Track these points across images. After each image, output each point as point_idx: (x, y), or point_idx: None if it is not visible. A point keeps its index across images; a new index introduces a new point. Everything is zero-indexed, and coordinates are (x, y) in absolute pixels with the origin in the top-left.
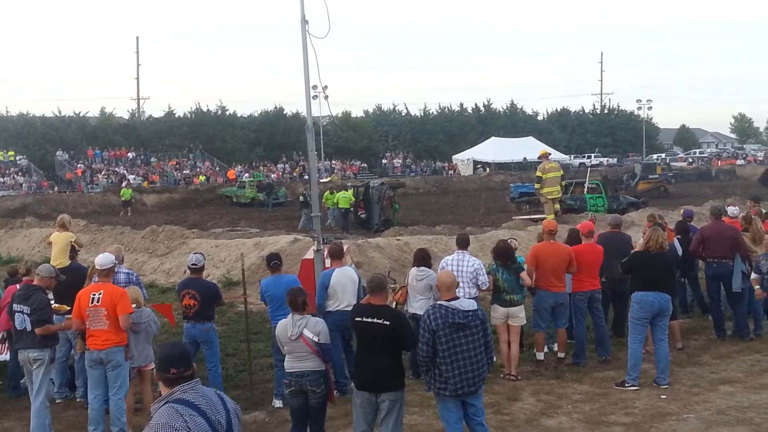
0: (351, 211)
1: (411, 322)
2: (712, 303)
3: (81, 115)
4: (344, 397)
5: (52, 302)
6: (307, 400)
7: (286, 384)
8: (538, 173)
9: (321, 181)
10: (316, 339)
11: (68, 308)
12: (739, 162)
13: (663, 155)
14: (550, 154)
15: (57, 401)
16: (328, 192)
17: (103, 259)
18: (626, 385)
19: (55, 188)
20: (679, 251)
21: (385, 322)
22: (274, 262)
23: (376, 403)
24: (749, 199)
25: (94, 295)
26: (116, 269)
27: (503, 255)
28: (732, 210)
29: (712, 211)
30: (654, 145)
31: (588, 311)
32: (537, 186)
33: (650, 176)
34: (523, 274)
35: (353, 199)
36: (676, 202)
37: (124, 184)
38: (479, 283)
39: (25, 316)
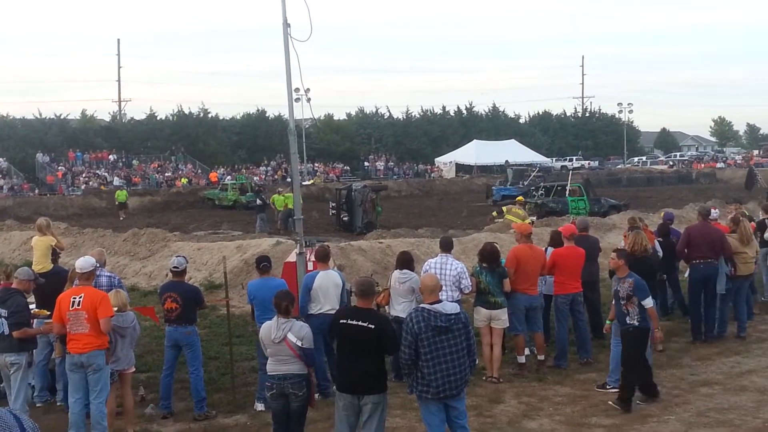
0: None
1: (393, 325)
2: (694, 306)
3: (62, 117)
4: (326, 400)
5: (33, 306)
6: (288, 403)
7: (268, 386)
8: (504, 209)
9: (303, 183)
10: (299, 343)
11: (48, 312)
12: (719, 165)
13: (644, 158)
14: (523, 201)
15: (37, 405)
16: (276, 194)
17: (83, 263)
18: (607, 387)
19: (36, 191)
20: (660, 254)
21: (370, 326)
22: (263, 264)
23: (358, 405)
24: (733, 201)
25: (75, 298)
26: (98, 272)
27: (489, 257)
28: (713, 213)
29: (701, 211)
30: (635, 148)
31: (569, 314)
32: (495, 214)
33: (521, 182)
34: (506, 281)
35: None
36: (658, 205)
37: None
38: (462, 286)
39: (3, 319)
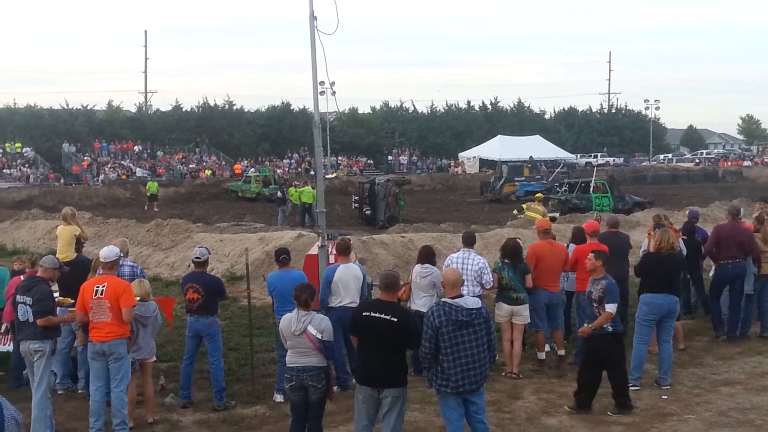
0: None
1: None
2: (713, 302)
3: (88, 107)
4: (345, 393)
5: (57, 295)
6: (307, 395)
7: (287, 378)
8: (524, 206)
9: (326, 176)
10: (319, 336)
11: (72, 301)
12: (746, 163)
13: (669, 155)
14: (542, 198)
15: (59, 392)
16: (292, 188)
17: (107, 252)
18: (628, 384)
19: (61, 180)
20: (684, 252)
21: (393, 319)
22: (282, 256)
23: (378, 399)
24: (759, 200)
25: (98, 287)
26: (121, 262)
27: (512, 253)
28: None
29: (730, 210)
30: (661, 146)
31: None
32: (515, 212)
33: (516, 178)
34: (528, 277)
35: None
36: (683, 203)
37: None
38: (483, 281)
39: (28, 307)
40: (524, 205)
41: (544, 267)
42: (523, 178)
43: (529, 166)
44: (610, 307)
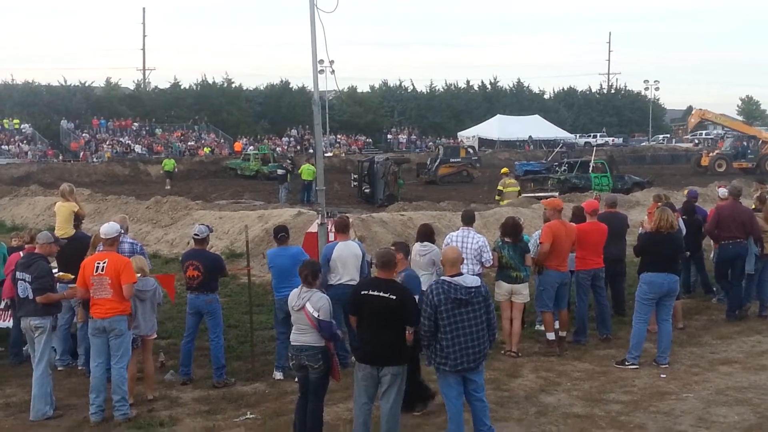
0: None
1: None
2: (729, 285)
3: (86, 84)
4: (344, 370)
5: (56, 271)
6: (308, 374)
7: (289, 356)
8: (500, 187)
9: (325, 155)
10: (315, 314)
11: (72, 276)
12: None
13: (669, 135)
14: (510, 172)
15: (59, 369)
16: (305, 164)
17: (108, 229)
18: (626, 363)
19: (60, 157)
20: (684, 232)
21: (392, 297)
22: (281, 234)
23: (377, 376)
24: (755, 180)
25: (99, 263)
26: (121, 239)
27: (512, 231)
28: (722, 191)
29: (731, 191)
30: (660, 126)
31: (591, 289)
32: (498, 197)
33: (452, 160)
34: (528, 256)
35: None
36: (682, 183)
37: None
38: (483, 260)
39: (27, 284)
40: (500, 186)
41: (557, 247)
42: (459, 160)
43: (466, 146)
44: None
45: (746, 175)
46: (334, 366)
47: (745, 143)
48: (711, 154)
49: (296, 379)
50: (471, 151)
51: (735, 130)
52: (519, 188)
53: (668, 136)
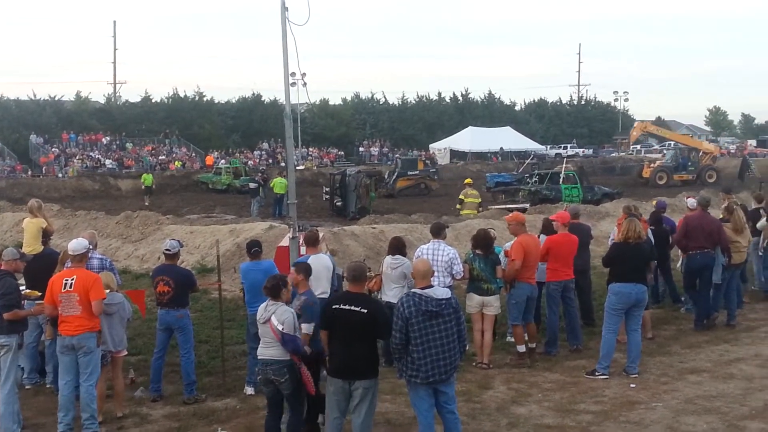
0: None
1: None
2: (697, 295)
3: (56, 98)
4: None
5: (23, 288)
6: (278, 389)
7: (257, 371)
8: (461, 197)
9: (297, 168)
10: (280, 327)
11: (39, 294)
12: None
13: (638, 146)
14: (472, 182)
15: (26, 387)
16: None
17: (76, 245)
18: (596, 374)
19: (29, 172)
20: (652, 242)
21: (363, 310)
22: (254, 249)
23: (349, 390)
24: (721, 191)
25: (67, 280)
26: (89, 255)
27: (483, 244)
28: (691, 202)
29: (700, 201)
30: (629, 136)
31: (561, 301)
32: (458, 207)
33: (410, 173)
34: (499, 268)
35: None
36: (651, 193)
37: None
38: (454, 272)
39: None
40: (461, 195)
41: (528, 260)
42: (417, 172)
43: (424, 159)
44: (306, 328)
45: (687, 187)
46: (304, 379)
47: (686, 155)
48: (652, 166)
49: (266, 395)
50: (429, 163)
51: (676, 143)
52: (480, 200)
53: (637, 147)
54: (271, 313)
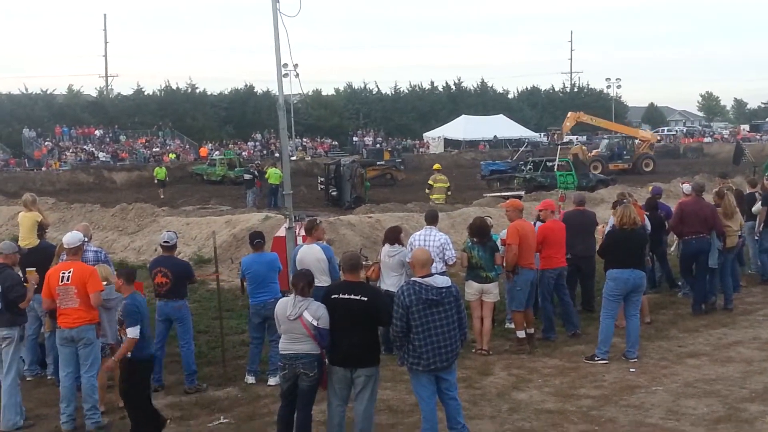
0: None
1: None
2: (687, 277)
3: (48, 92)
4: None
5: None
6: (297, 383)
7: (280, 366)
8: (430, 182)
9: (291, 159)
10: (315, 323)
11: (37, 276)
12: (707, 140)
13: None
14: (441, 168)
15: (28, 379)
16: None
17: (70, 238)
18: (596, 359)
19: (23, 165)
20: (648, 228)
21: (363, 298)
22: (257, 240)
23: (351, 378)
24: (717, 176)
25: (64, 273)
26: (84, 247)
27: (479, 232)
28: (686, 187)
29: (694, 187)
30: (623, 123)
31: (554, 288)
32: (427, 191)
33: (377, 162)
34: (498, 255)
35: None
36: (645, 180)
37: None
38: (446, 257)
39: None
40: (430, 181)
41: (525, 245)
42: (383, 163)
43: (390, 149)
44: (132, 332)
45: (621, 177)
46: (324, 374)
47: (621, 144)
48: (588, 156)
49: (282, 389)
50: (395, 153)
51: (612, 132)
52: (448, 184)
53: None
54: (304, 309)
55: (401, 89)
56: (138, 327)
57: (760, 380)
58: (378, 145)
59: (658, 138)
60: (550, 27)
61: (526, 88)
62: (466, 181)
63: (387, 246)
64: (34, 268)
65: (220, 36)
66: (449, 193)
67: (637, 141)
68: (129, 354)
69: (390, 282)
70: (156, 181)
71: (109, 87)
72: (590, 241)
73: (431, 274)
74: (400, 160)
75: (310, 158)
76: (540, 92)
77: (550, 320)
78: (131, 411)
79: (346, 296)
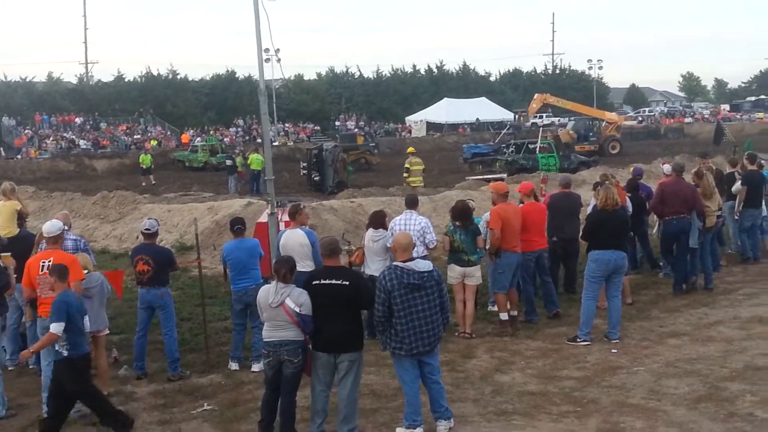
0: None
1: (368, 282)
2: (674, 260)
3: (27, 80)
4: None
5: None
6: (281, 369)
7: (264, 354)
8: (407, 165)
9: (273, 144)
10: (297, 309)
11: (13, 261)
12: (688, 120)
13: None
14: (415, 152)
15: (9, 368)
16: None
17: (50, 227)
18: (578, 340)
19: (2, 154)
20: (630, 209)
21: (344, 283)
22: (237, 227)
23: (334, 363)
24: (697, 155)
25: (44, 262)
26: (64, 236)
27: (461, 215)
28: (666, 168)
29: (675, 167)
30: (604, 104)
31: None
32: (405, 175)
33: (351, 147)
34: (480, 239)
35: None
36: (627, 160)
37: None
38: (427, 241)
39: None
40: (407, 164)
41: (508, 228)
42: (356, 146)
43: (363, 134)
44: (54, 327)
45: (589, 158)
46: (308, 361)
47: (587, 126)
48: (573, 138)
49: (267, 376)
50: (368, 138)
51: (578, 113)
52: (423, 166)
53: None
54: (286, 296)
55: (383, 73)
56: (62, 324)
57: (740, 359)
58: (357, 129)
59: (633, 119)
60: (532, 9)
61: (508, 71)
62: (449, 164)
63: (371, 230)
64: (9, 253)
65: (201, 21)
66: (424, 174)
67: (603, 123)
68: (66, 353)
69: (374, 267)
70: (142, 168)
71: (89, 74)
72: (575, 222)
73: (413, 259)
74: (374, 144)
75: (292, 143)
76: (522, 74)
77: (531, 302)
78: (92, 408)
79: (328, 281)
